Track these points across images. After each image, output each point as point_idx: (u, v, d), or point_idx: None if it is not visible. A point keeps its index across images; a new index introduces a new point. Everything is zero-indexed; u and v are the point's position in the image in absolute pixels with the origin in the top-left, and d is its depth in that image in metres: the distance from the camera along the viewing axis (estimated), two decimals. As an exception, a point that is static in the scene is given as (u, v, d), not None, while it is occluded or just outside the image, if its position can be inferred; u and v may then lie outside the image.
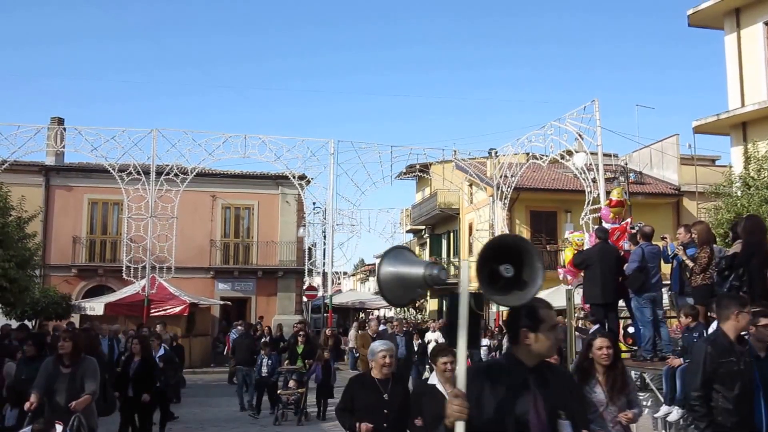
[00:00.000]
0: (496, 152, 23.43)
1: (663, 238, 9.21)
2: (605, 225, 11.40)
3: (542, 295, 12.94)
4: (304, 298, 26.36)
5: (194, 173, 20.79)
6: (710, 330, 6.99)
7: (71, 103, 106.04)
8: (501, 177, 21.75)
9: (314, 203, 24.51)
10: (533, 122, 79.33)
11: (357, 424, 4.42)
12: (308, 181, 22.77)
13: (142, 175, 19.82)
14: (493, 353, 16.11)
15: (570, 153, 18.37)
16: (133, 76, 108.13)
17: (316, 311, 26.89)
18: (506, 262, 2.36)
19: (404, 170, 26.82)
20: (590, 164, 17.16)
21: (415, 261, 2.45)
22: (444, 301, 31.65)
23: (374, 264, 56.19)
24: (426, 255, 34.60)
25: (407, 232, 36.87)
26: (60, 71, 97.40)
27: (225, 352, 20.79)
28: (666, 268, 9.02)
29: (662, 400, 7.55)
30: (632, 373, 9.14)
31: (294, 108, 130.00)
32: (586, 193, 16.85)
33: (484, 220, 24.00)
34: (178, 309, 20.42)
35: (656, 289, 8.63)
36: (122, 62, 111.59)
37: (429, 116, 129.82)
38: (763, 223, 7.25)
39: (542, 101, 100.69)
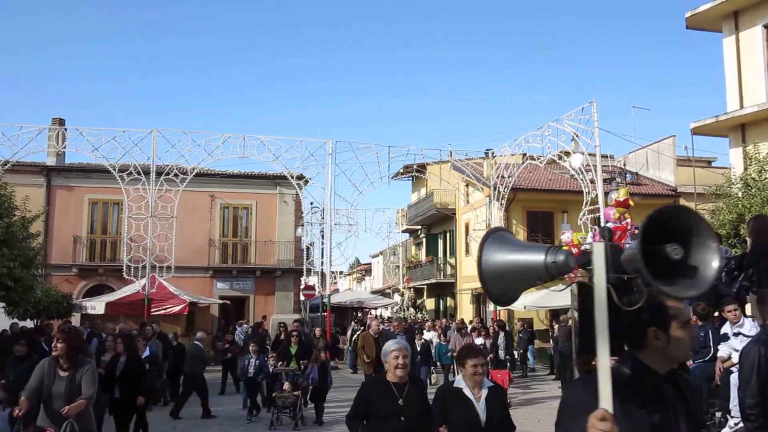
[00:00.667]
0: (493, 153, 23.63)
1: None
2: (609, 224, 11.47)
3: (541, 294, 13.39)
4: (302, 297, 26.56)
5: (194, 173, 20.88)
6: (722, 330, 7.08)
7: (72, 105, 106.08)
8: (498, 177, 21.93)
9: (312, 203, 24.70)
10: (530, 123, 79.59)
11: None
12: (306, 181, 22.90)
13: (142, 175, 19.90)
14: (490, 354, 16.17)
15: (567, 154, 18.52)
16: (134, 77, 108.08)
17: (314, 310, 27.08)
18: (673, 241, 1.86)
19: (401, 170, 26.99)
20: (587, 165, 17.31)
21: (528, 246, 2.07)
22: (441, 301, 31.85)
23: (370, 263, 56.28)
24: (422, 255, 34.81)
25: (403, 231, 37.03)
26: (61, 74, 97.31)
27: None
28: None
29: None
30: None
31: (293, 109, 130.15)
32: (584, 193, 16.97)
33: (480, 220, 24.18)
34: (177, 308, 20.55)
35: None
36: (122, 64, 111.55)
37: (426, 117, 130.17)
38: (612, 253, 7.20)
39: (540, 102, 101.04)
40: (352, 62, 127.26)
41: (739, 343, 6.73)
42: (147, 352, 10.75)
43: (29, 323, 19.17)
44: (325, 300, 22.63)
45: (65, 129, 21.10)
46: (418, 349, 15.12)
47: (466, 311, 27.27)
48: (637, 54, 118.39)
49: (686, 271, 1.89)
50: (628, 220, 11.63)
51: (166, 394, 13.70)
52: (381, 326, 13.35)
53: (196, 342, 12.99)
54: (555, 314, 20.44)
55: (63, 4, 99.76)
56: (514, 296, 2.14)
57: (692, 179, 20.92)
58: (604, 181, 16.98)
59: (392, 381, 4.20)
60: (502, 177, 21.65)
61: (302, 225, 25.59)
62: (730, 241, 12.41)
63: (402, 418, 4.07)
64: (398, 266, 37.46)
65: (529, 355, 19.55)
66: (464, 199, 27.69)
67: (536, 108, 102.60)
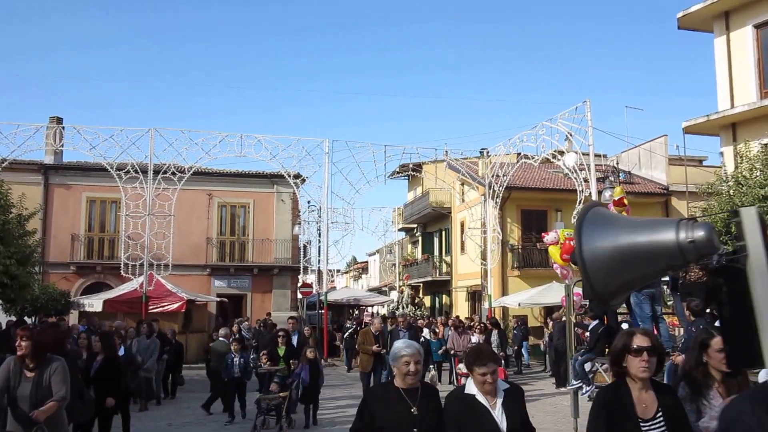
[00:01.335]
0: (488, 152, 23.85)
1: None
2: None
3: (535, 292, 13.71)
4: (299, 295, 26.74)
5: (191, 172, 21.03)
6: (717, 324, 7.16)
7: (71, 105, 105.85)
8: (493, 176, 22.15)
9: (309, 201, 24.92)
10: (525, 123, 79.82)
11: None
12: (303, 180, 23.08)
13: (140, 173, 20.05)
14: None
15: (561, 153, 18.71)
16: (132, 79, 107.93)
17: (311, 308, 27.27)
18: None
19: (397, 169, 27.18)
20: (581, 164, 17.50)
21: (647, 223, 1.52)
22: (437, 298, 32.08)
23: (366, 262, 56.47)
24: (418, 253, 35.04)
25: (399, 230, 37.24)
26: (58, 75, 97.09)
27: None
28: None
29: None
30: None
31: (290, 109, 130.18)
32: (578, 192, 17.14)
33: (476, 218, 24.40)
34: (175, 305, 20.59)
35: (655, 285, 8.56)
36: (121, 65, 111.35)
37: (422, 117, 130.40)
38: (762, 221, 7.28)
39: (534, 102, 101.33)
40: (349, 63, 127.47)
41: None
42: (122, 351, 10.42)
43: (28, 320, 19.26)
44: (322, 298, 22.83)
45: (63, 127, 21.20)
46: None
47: (461, 309, 27.52)
48: (629, 54, 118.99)
49: None
50: None
51: (162, 393, 13.59)
52: (383, 325, 12.88)
53: (221, 339, 13.04)
54: (549, 311, 20.68)
55: (63, 6, 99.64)
56: (627, 292, 1.51)
57: (684, 178, 21.13)
58: (598, 179, 17.16)
59: (401, 387, 3.73)
60: (497, 176, 21.88)
61: (299, 223, 25.80)
62: (721, 238, 12.65)
63: (415, 430, 3.57)
64: (394, 264, 37.68)
65: (523, 351, 19.77)
66: (459, 197, 27.91)
67: (531, 108, 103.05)
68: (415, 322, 18.60)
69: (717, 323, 6.80)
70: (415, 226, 35.21)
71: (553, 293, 19.08)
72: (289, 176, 21.91)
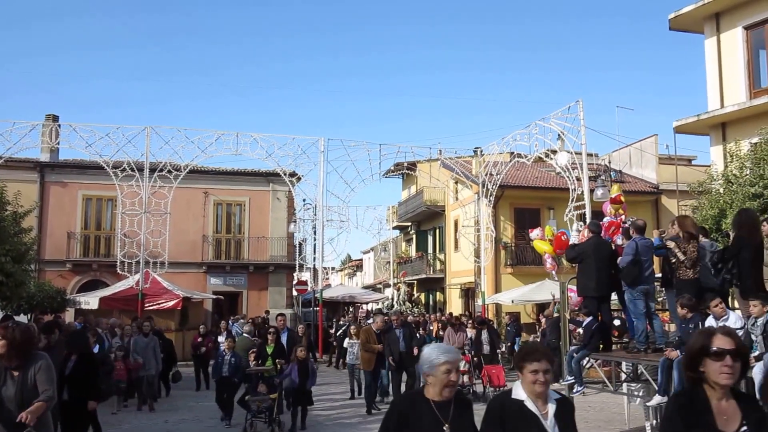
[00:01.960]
0: (481, 151, 24.07)
1: (662, 233, 9.25)
2: (606, 218, 11.62)
3: (528, 289, 13.87)
4: (295, 292, 26.90)
5: (187, 170, 21.07)
6: (707, 323, 6.96)
7: (67, 105, 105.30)
8: (486, 175, 22.37)
9: (304, 200, 25.09)
10: (518, 122, 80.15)
11: None
12: (299, 178, 23.23)
13: (136, 171, 20.09)
14: (470, 350, 14.81)
15: (554, 152, 18.90)
16: (131, 77, 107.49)
17: (307, 305, 27.44)
18: None
19: (392, 168, 27.37)
20: (573, 163, 17.69)
21: None
22: (431, 296, 32.31)
23: (361, 259, 56.65)
24: (413, 250, 35.26)
25: (394, 228, 37.45)
26: (56, 76, 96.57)
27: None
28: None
29: (656, 389, 7.71)
30: (625, 364, 9.29)
31: (286, 109, 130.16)
32: (570, 190, 17.34)
33: (469, 216, 24.63)
34: (171, 303, 20.70)
35: (649, 281, 8.61)
36: (117, 65, 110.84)
37: (417, 116, 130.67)
38: (754, 218, 7.31)
39: (527, 101, 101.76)
40: (345, 63, 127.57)
41: None
42: (96, 350, 10.20)
43: (23, 318, 19.29)
44: (318, 295, 23.00)
45: (59, 125, 21.18)
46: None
47: (455, 306, 27.77)
48: (621, 54, 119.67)
49: None
50: (622, 216, 11.78)
51: (157, 392, 13.29)
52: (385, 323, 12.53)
53: (245, 335, 13.09)
54: (541, 308, 20.95)
55: (61, 8, 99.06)
56: None
57: (674, 177, 21.39)
58: (590, 178, 17.34)
59: (434, 399, 3.24)
60: (491, 174, 22.10)
61: (295, 221, 25.95)
62: (712, 236, 12.86)
63: None
64: (389, 262, 37.89)
65: (515, 348, 20.03)
66: (453, 196, 28.15)
67: (524, 107, 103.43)
68: (405, 319, 18.63)
69: (708, 321, 6.93)
70: (410, 224, 35.43)
71: (545, 290, 19.34)
72: (285, 174, 22.04)
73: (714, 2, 15.82)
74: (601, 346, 8.98)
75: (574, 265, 9.94)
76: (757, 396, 5.25)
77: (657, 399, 7.57)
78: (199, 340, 16.01)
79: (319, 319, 22.72)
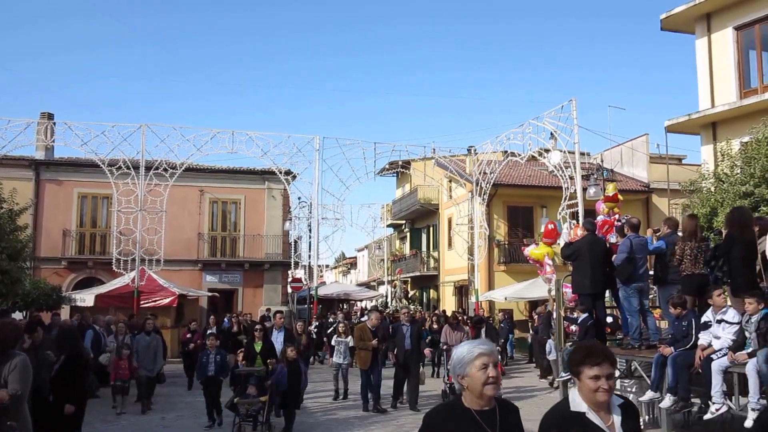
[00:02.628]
0: (475, 150, 24.25)
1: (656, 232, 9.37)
2: (600, 217, 11.71)
3: (521, 287, 14.11)
4: (290, 290, 27.04)
5: (183, 168, 21.07)
6: (703, 318, 7.10)
7: (63, 104, 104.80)
8: (480, 173, 22.56)
9: (300, 198, 25.14)
10: (512, 121, 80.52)
11: None
12: (294, 177, 23.30)
13: (132, 169, 20.07)
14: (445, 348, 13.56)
15: (547, 151, 19.08)
16: (126, 76, 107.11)
17: (302, 302, 27.59)
18: None
19: (386, 166, 27.50)
20: (566, 162, 17.88)
21: None
22: (425, 293, 32.51)
23: (355, 257, 56.80)
24: (407, 248, 35.45)
25: (388, 226, 37.62)
26: (54, 76, 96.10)
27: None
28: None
29: (649, 385, 7.84)
30: (619, 361, 9.51)
31: (281, 107, 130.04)
32: (564, 189, 17.51)
33: (463, 214, 24.82)
34: (167, 300, 20.75)
35: (643, 279, 8.68)
36: (115, 65, 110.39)
37: (411, 115, 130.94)
38: (746, 216, 7.38)
39: (521, 100, 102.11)
40: (341, 63, 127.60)
41: (721, 331, 6.75)
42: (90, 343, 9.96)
43: (19, 315, 19.33)
44: (312, 292, 23.13)
45: (54, 123, 21.15)
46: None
47: (448, 303, 27.99)
48: (614, 53, 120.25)
49: None
50: (617, 215, 11.87)
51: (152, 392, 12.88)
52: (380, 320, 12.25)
53: None
54: (534, 305, 21.18)
55: (58, 8, 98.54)
56: None
57: (665, 175, 21.62)
58: (582, 177, 17.53)
59: (474, 408, 2.67)
60: (484, 173, 22.29)
61: (290, 219, 26.03)
62: (704, 233, 13.05)
63: None
64: (383, 260, 38.07)
65: (509, 345, 20.26)
66: (447, 194, 28.36)
67: (517, 106, 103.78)
68: (414, 315, 18.59)
69: (707, 314, 7.03)
70: (404, 222, 35.61)
71: (538, 288, 19.55)
72: (280, 173, 22.11)
73: (705, 3, 16.02)
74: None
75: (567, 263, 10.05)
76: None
77: (650, 395, 7.71)
78: (188, 336, 15.62)
79: (313, 316, 22.86)
